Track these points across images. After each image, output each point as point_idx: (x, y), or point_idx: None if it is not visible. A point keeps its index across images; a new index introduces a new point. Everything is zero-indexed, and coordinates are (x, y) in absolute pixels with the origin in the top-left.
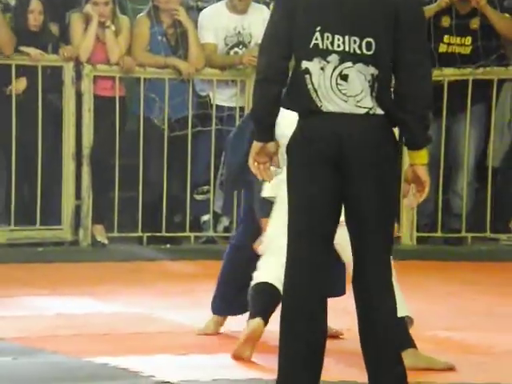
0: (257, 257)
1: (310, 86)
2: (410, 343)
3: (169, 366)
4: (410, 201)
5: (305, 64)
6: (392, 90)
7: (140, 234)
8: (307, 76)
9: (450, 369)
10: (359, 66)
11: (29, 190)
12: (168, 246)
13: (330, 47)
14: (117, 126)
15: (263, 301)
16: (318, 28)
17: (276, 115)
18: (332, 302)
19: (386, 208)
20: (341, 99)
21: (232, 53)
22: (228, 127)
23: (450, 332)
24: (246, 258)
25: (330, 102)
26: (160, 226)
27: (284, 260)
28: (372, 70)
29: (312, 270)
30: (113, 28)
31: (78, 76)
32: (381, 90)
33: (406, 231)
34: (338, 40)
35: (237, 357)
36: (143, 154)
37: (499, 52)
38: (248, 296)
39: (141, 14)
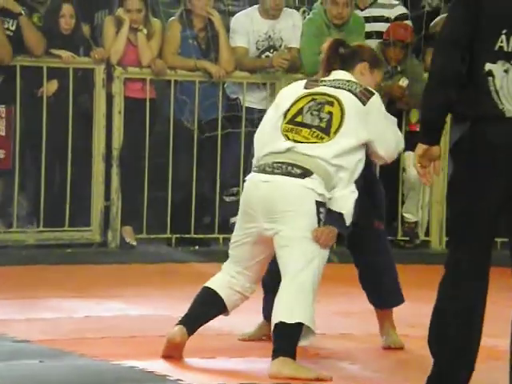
0: None
1: (492, 88)
2: (286, 351)
3: (196, 370)
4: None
5: (488, 66)
6: None
7: (169, 235)
8: (490, 78)
9: (322, 380)
10: None
11: (58, 191)
12: (197, 247)
13: None
14: (147, 127)
15: (198, 309)
16: (505, 30)
17: (445, 119)
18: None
19: None
20: None
21: (263, 57)
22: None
23: (483, 337)
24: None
25: None
26: (189, 227)
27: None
28: None
29: None
30: (145, 31)
31: (109, 78)
32: None
33: (435, 235)
34: None
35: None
36: (172, 155)
37: None
38: None
39: (172, 18)
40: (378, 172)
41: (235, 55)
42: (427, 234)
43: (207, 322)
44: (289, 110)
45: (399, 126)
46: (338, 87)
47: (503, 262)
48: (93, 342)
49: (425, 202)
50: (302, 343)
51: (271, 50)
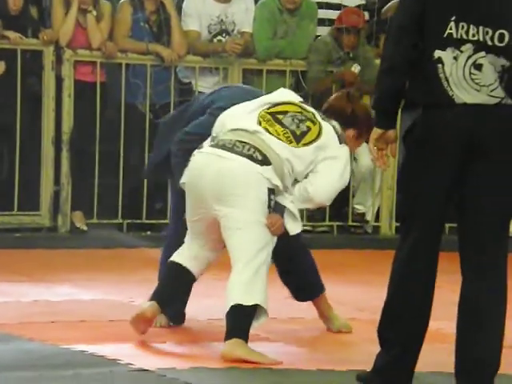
0: None
1: (441, 75)
2: (240, 333)
3: (147, 354)
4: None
5: (437, 53)
6: None
7: (120, 220)
8: (439, 65)
9: (272, 364)
10: (490, 56)
11: (7, 175)
12: (148, 232)
13: (464, 37)
14: (97, 111)
15: (167, 284)
16: (453, 17)
17: (399, 104)
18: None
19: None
20: (473, 89)
21: (215, 41)
22: None
23: (431, 321)
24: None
25: (462, 91)
26: (141, 213)
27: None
28: (503, 61)
29: None
30: (94, 13)
31: (59, 60)
32: (510, 81)
33: (385, 221)
34: (473, 30)
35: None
36: (124, 139)
37: None
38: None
39: (122, 0)
40: None
41: (187, 39)
42: (377, 219)
43: (179, 296)
44: (276, 104)
45: None
46: (326, 120)
47: (448, 248)
48: (42, 326)
49: (375, 189)
50: (254, 324)
51: (223, 34)
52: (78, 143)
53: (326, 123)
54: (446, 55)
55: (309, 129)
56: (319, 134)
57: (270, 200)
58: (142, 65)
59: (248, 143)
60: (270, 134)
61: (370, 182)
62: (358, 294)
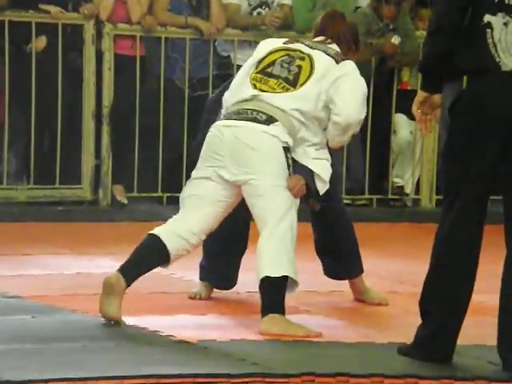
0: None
1: (490, 41)
2: (276, 308)
3: (187, 326)
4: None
5: (487, 18)
6: None
7: (160, 194)
8: (488, 30)
9: (312, 337)
10: None
11: (48, 149)
12: None
13: None
14: (137, 86)
15: (138, 257)
16: None
17: (446, 68)
18: None
19: None
20: None
21: (255, 13)
22: None
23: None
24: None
25: (510, 58)
26: (180, 186)
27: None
28: None
29: None
30: None
31: (99, 35)
32: None
33: (426, 194)
34: None
35: (103, 314)
36: (163, 114)
37: None
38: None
39: None
40: (369, 135)
41: (227, 12)
42: (417, 192)
43: (148, 271)
44: (262, 60)
45: (391, 84)
46: (315, 48)
47: (492, 220)
48: (84, 299)
49: (415, 161)
50: (287, 293)
51: (263, 7)
52: (118, 117)
53: (317, 51)
54: (496, 20)
55: (300, 67)
56: (312, 67)
57: (287, 159)
58: (181, 39)
59: (250, 108)
60: (267, 91)
61: (409, 154)
62: (398, 267)
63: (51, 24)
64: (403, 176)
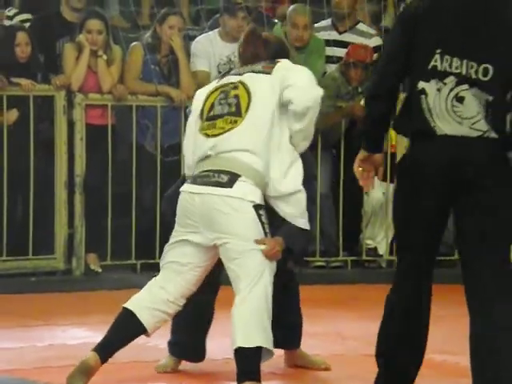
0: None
1: (424, 106)
2: (251, 376)
3: None
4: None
5: (421, 84)
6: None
7: (134, 261)
8: (423, 96)
9: None
10: (474, 90)
11: (21, 220)
12: None
13: (448, 69)
14: (109, 154)
15: (113, 335)
16: (439, 50)
17: (384, 130)
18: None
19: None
20: (455, 121)
21: None
22: None
23: (446, 355)
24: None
25: (444, 123)
26: (154, 253)
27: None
28: (487, 95)
29: None
30: (105, 57)
31: (70, 105)
32: (496, 115)
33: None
34: (457, 63)
35: None
36: (136, 180)
37: None
38: None
39: (135, 43)
40: (341, 197)
41: (197, 79)
42: (391, 253)
43: (123, 346)
44: (202, 110)
45: (358, 146)
46: (242, 73)
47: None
48: (57, 371)
49: (388, 221)
50: (262, 361)
51: None
52: (91, 186)
53: (245, 75)
54: (429, 86)
55: (237, 97)
56: (248, 91)
57: (259, 216)
58: (151, 106)
59: (211, 170)
60: (219, 134)
61: (381, 215)
62: (372, 328)
63: (22, 96)
64: (375, 237)
